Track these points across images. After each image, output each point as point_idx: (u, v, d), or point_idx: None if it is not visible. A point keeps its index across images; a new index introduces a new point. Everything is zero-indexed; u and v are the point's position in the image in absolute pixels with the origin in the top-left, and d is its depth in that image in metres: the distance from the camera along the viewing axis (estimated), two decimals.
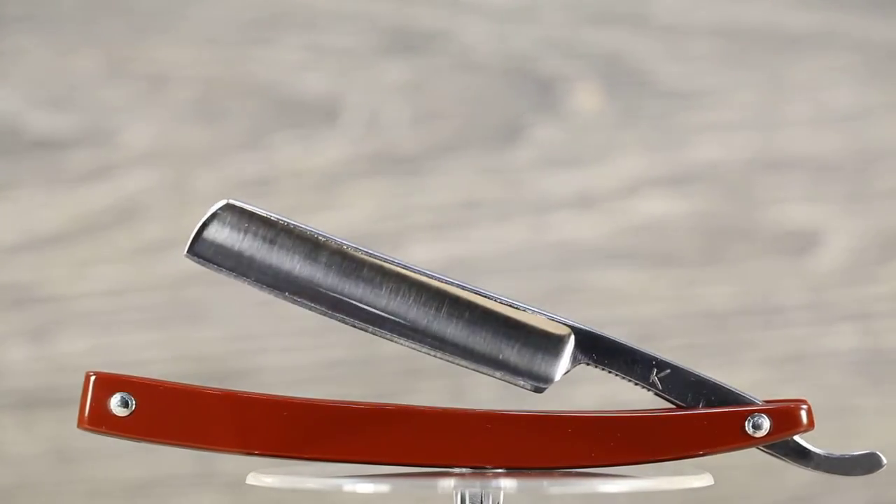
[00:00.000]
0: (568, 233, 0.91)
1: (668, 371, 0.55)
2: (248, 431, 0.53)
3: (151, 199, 0.90)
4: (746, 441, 0.56)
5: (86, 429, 0.52)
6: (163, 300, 0.89)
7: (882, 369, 0.91)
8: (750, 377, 0.90)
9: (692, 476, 0.54)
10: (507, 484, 0.52)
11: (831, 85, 0.92)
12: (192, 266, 0.94)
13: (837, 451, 0.58)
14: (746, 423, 0.55)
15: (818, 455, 0.58)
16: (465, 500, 0.54)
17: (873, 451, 0.58)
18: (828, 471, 0.58)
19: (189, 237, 0.53)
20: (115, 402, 0.52)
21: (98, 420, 0.52)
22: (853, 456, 0.58)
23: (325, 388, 0.88)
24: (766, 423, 0.56)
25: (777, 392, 0.92)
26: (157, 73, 0.90)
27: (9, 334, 0.89)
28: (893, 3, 0.93)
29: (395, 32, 0.91)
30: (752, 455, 0.89)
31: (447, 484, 0.52)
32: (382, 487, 0.51)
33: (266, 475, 0.53)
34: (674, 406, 0.56)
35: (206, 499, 0.88)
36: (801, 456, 0.57)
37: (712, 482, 0.55)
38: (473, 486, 0.53)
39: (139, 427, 0.53)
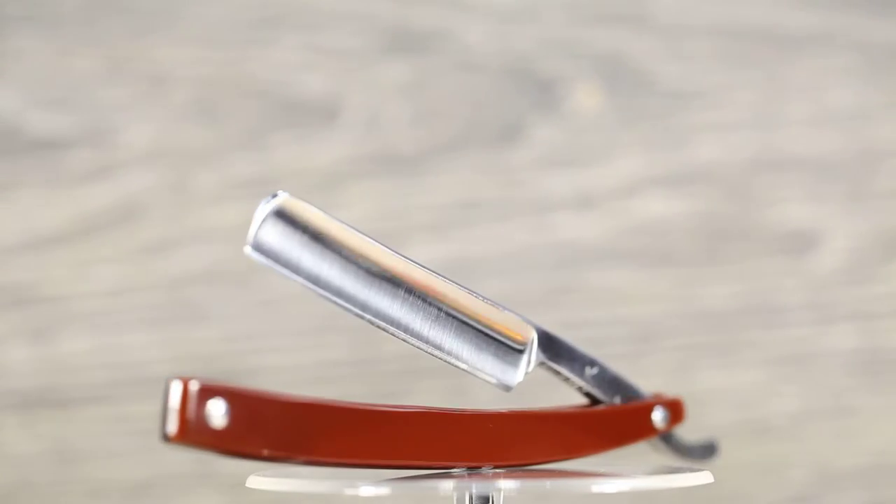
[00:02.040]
0: (568, 233, 0.91)
1: (597, 370, 0.59)
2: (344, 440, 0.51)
3: (151, 199, 0.90)
4: (653, 432, 0.59)
5: (179, 443, 0.46)
6: (163, 300, 0.89)
7: (882, 369, 0.91)
8: (750, 377, 0.90)
9: (692, 474, 0.55)
10: (507, 484, 0.52)
11: (831, 85, 0.92)
12: (192, 266, 0.94)
13: (833, 450, 0.59)
14: (653, 414, 0.60)
15: (684, 444, 0.61)
16: (464, 501, 0.54)
17: (712, 438, 0.62)
18: (686, 457, 0.61)
19: (251, 231, 0.52)
20: (213, 412, 0.46)
21: (195, 434, 0.46)
22: (698, 443, 0.62)
23: (325, 388, 0.88)
24: (665, 415, 0.60)
25: (778, 391, 0.92)
26: (157, 73, 0.90)
27: (9, 334, 0.89)
28: (893, 3, 0.93)
29: (395, 32, 0.91)
30: (752, 455, 0.89)
31: (447, 486, 0.52)
32: (382, 490, 0.51)
33: (266, 478, 0.53)
34: (591, 403, 0.59)
35: (206, 499, 0.88)
36: (671, 444, 0.61)
37: (712, 480, 0.55)
38: (473, 487, 0.53)
39: (236, 440, 0.47)
